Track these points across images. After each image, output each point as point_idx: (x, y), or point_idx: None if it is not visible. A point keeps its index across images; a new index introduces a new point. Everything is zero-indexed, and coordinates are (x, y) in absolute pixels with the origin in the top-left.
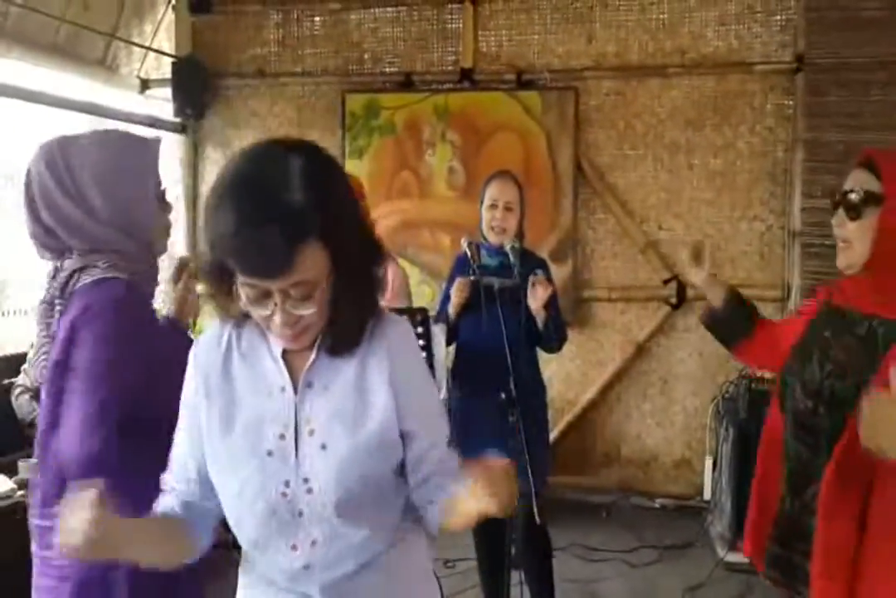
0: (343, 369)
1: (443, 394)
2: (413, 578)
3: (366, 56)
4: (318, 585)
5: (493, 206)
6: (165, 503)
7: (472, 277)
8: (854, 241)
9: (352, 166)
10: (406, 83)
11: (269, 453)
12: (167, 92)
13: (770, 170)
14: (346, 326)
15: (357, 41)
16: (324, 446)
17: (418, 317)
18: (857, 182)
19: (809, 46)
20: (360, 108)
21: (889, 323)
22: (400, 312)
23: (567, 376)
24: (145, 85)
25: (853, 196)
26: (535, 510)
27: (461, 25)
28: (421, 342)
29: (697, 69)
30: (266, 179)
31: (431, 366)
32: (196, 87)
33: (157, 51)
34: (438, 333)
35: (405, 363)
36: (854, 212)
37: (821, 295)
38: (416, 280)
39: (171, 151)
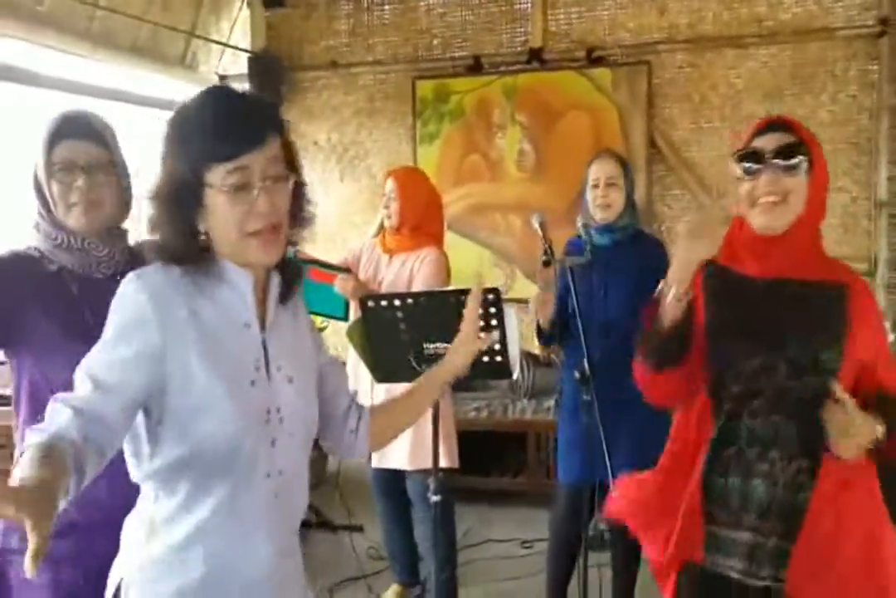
0: (284, 314)
1: (515, 374)
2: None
3: (435, 42)
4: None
5: (596, 185)
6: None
7: (543, 257)
8: (791, 194)
9: (423, 152)
10: (475, 67)
11: (252, 383)
12: (245, 87)
13: (854, 139)
14: (293, 267)
15: (426, 27)
16: (290, 380)
17: (490, 297)
18: (773, 142)
19: (894, 8)
20: (430, 93)
21: (837, 287)
22: (461, 292)
23: None
24: (223, 81)
25: (785, 148)
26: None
27: (530, 5)
28: (493, 322)
29: (775, 38)
30: (234, 91)
31: (505, 349)
32: (272, 81)
33: (233, 47)
34: (511, 313)
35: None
36: (791, 167)
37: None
38: (488, 263)
39: None
